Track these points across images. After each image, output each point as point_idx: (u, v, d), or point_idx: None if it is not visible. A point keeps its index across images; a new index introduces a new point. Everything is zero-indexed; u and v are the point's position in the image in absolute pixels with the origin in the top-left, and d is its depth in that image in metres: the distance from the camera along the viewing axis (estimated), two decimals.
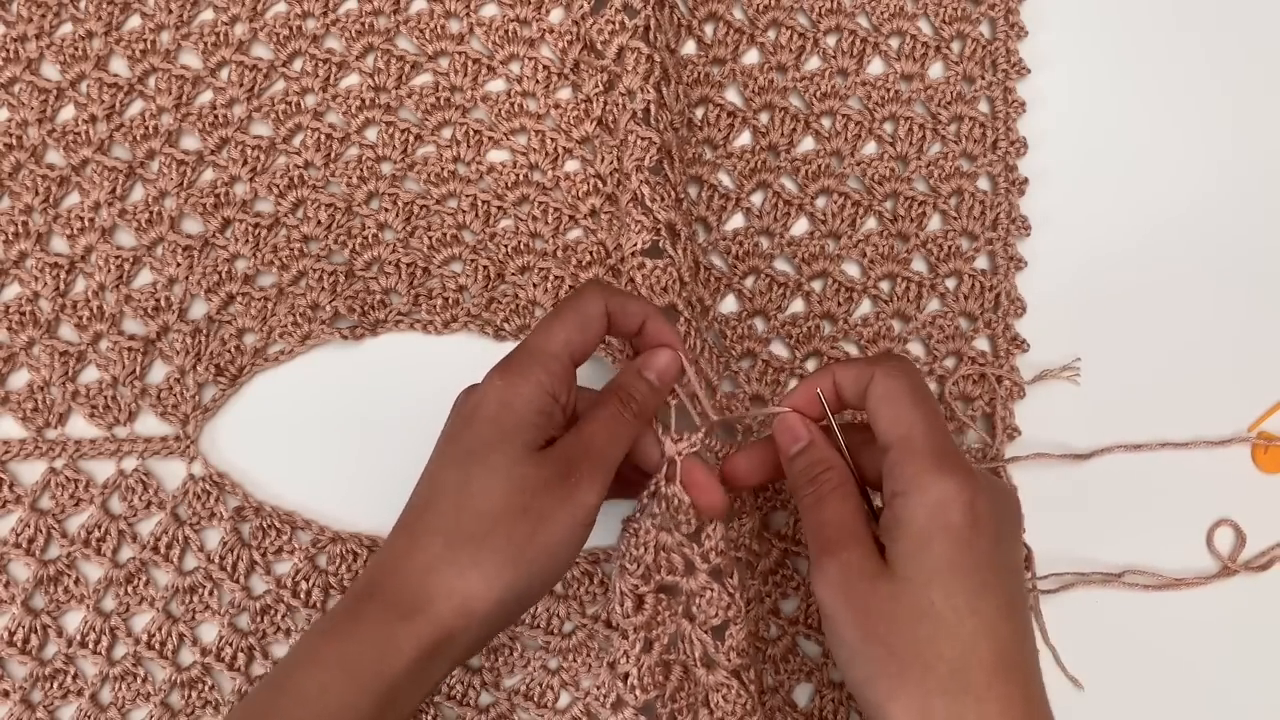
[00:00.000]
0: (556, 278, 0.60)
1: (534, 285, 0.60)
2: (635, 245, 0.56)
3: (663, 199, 0.56)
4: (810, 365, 0.61)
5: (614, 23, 0.58)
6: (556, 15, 0.61)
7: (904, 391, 0.48)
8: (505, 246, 0.60)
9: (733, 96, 0.62)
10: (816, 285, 0.62)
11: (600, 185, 0.60)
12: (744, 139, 0.62)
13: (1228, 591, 0.62)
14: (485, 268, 0.60)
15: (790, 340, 0.61)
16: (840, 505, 0.49)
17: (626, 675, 0.54)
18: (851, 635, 0.46)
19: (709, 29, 0.62)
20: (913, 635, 0.45)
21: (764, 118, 0.62)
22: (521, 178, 0.61)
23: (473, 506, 0.47)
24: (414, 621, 0.46)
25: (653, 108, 0.57)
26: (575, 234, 0.61)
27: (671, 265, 0.55)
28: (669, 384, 0.52)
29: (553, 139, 0.61)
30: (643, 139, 0.56)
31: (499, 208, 0.61)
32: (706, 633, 0.53)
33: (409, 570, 0.47)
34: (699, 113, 0.62)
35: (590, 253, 0.60)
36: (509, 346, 0.58)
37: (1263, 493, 0.62)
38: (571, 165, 0.61)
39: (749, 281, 0.61)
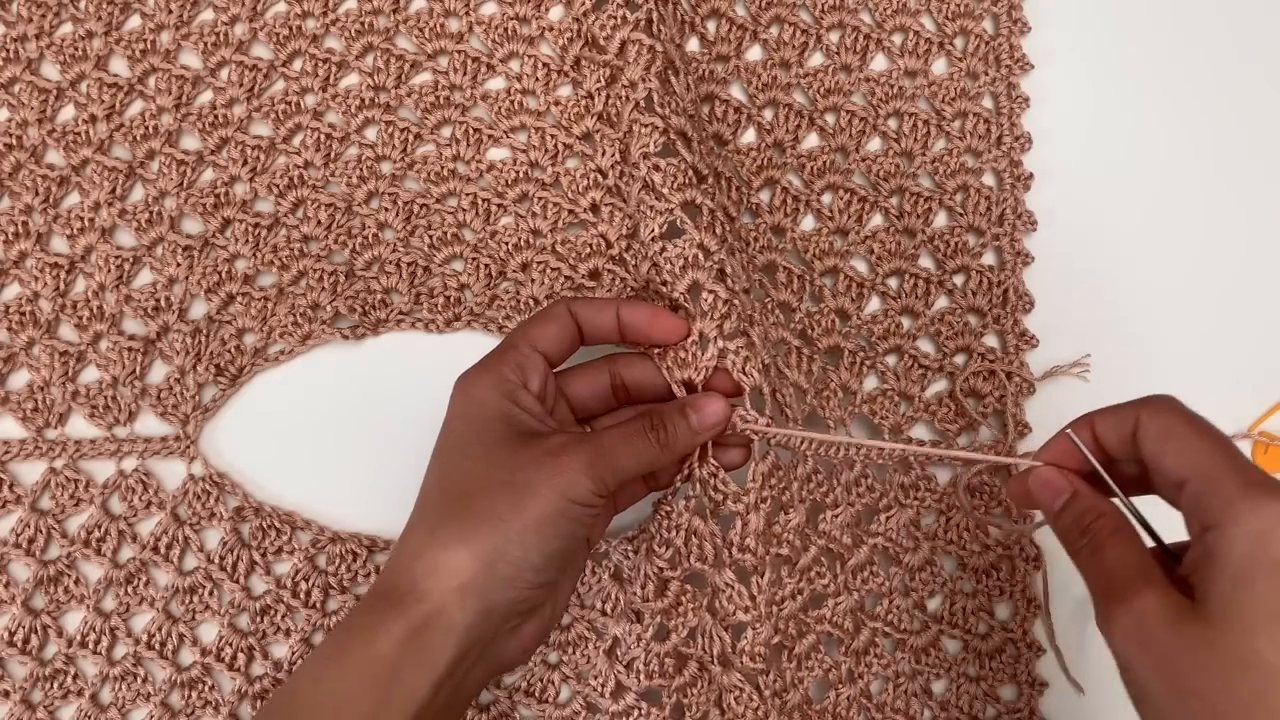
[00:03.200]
0: (554, 270, 0.62)
1: (534, 281, 0.62)
2: (652, 231, 0.56)
3: (674, 180, 0.56)
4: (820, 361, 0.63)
5: (615, 18, 0.60)
6: (556, 13, 0.63)
7: (1182, 423, 0.46)
8: (506, 244, 0.62)
9: (736, 93, 0.64)
10: (827, 281, 0.63)
11: (601, 179, 0.62)
12: (749, 136, 0.64)
13: None
14: (486, 265, 0.62)
15: (814, 332, 0.63)
16: (1123, 549, 0.46)
17: (631, 661, 0.56)
18: (1158, 690, 0.43)
19: (711, 26, 0.64)
20: (1235, 689, 0.41)
21: (768, 114, 0.64)
22: (522, 175, 0.63)
23: (452, 491, 0.50)
24: (402, 604, 0.47)
25: (655, 96, 0.58)
26: (576, 229, 0.63)
27: (691, 242, 0.55)
28: (708, 431, 0.53)
29: (553, 135, 0.62)
30: (646, 126, 0.57)
31: (499, 205, 0.62)
32: (727, 630, 0.55)
33: (399, 564, 0.49)
34: (704, 110, 0.64)
35: (591, 245, 0.62)
36: None
37: None
38: (572, 162, 0.63)
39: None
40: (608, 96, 0.62)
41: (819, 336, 0.63)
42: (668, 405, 0.54)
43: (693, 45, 0.64)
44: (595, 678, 0.59)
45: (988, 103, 0.65)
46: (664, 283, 0.56)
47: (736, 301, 0.55)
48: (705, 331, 0.54)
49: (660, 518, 0.56)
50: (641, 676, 0.56)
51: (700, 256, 0.55)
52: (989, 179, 0.64)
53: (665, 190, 0.56)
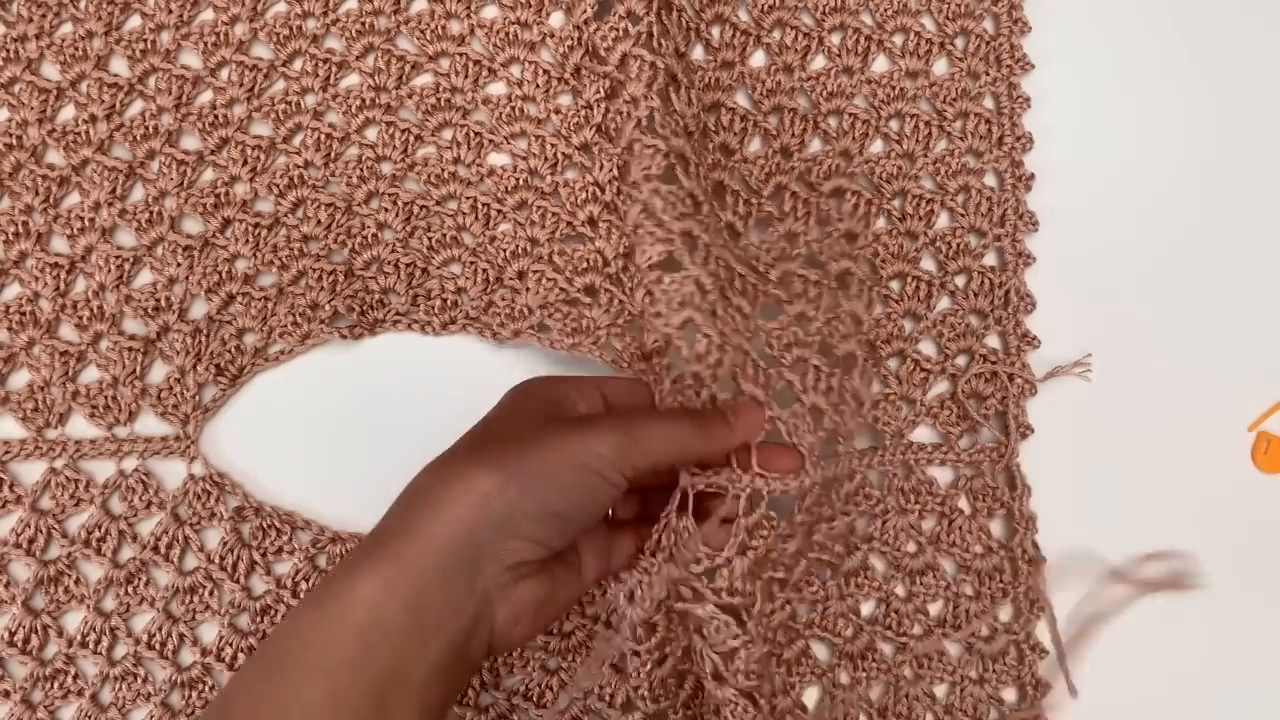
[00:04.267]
0: (550, 280, 0.62)
1: (529, 290, 0.62)
2: (649, 258, 0.56)
3: (675, 209, 0.56)
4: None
5: (617, 30, 0.60)
6: (557, 19, 0.63)
7: None
8: (504, 250, 0.63)
9: (741, 100, 0.64)
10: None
11: (599, 193, 0.62)
12: (754, 144, 0.64)
13: (1222, 598, 0.64)
14: (484, 270, 0.63)
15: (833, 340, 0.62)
16: None
17: (637, 687, 0.57)
18: None
19: (715, 32, 0.64)
20: None
21: (773, 120, 0.64)
22: (521, 182, 0.63)
23: (468, 442, 0.51)
24: (388, 542, 0.47)
25: (657, 115, 0.58)
26: (574, 241, 0.63)
27: (689, 277, 0.55)
28: (746, 430, 0.53)
29: (552, 144, 0.63)
30: (648, 147, 0.57)
31: (498, 211, 0.63)
32: (717, 653, 0.55)
33: (396, 504, 0.49)
34: (710, 119, 0.64)
35: (587, 260, 0.62)
36: (507, 349, 0.61)
37: (1263, 493, 0.65)
38: (571, 173, 0.63)
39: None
40: (607, 110, 0.62)
41: (838, 342, 0.61)
42: (711, 408, 0.54)
43: (698, 53, 0.64)
44: (603, 687, 0.60)
45: (989, 103, 0.65)
46: (657, 314, 0.55)
47: (729, 346, 0.54)
48: (700, 375, 0.54)
49: (639, 573, 0.54)
50: (648, 700, 0.56)
51: (696, 295, 0.55)
52: (990, 179, 0.65)
53: (666, 218, 0.56)
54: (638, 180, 0.57)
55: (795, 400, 0.56)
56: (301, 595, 0.61)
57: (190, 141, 0.63)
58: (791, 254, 0.62)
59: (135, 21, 0.64)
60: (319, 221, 0.63)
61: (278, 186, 0.63)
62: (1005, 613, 0.63)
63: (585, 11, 0.62)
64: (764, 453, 0.53)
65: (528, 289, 0.62)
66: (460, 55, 0.63)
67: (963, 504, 0.63)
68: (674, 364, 0.55)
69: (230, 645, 0.61)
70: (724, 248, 0.59)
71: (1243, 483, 0.65)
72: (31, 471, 0.62)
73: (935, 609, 0.63)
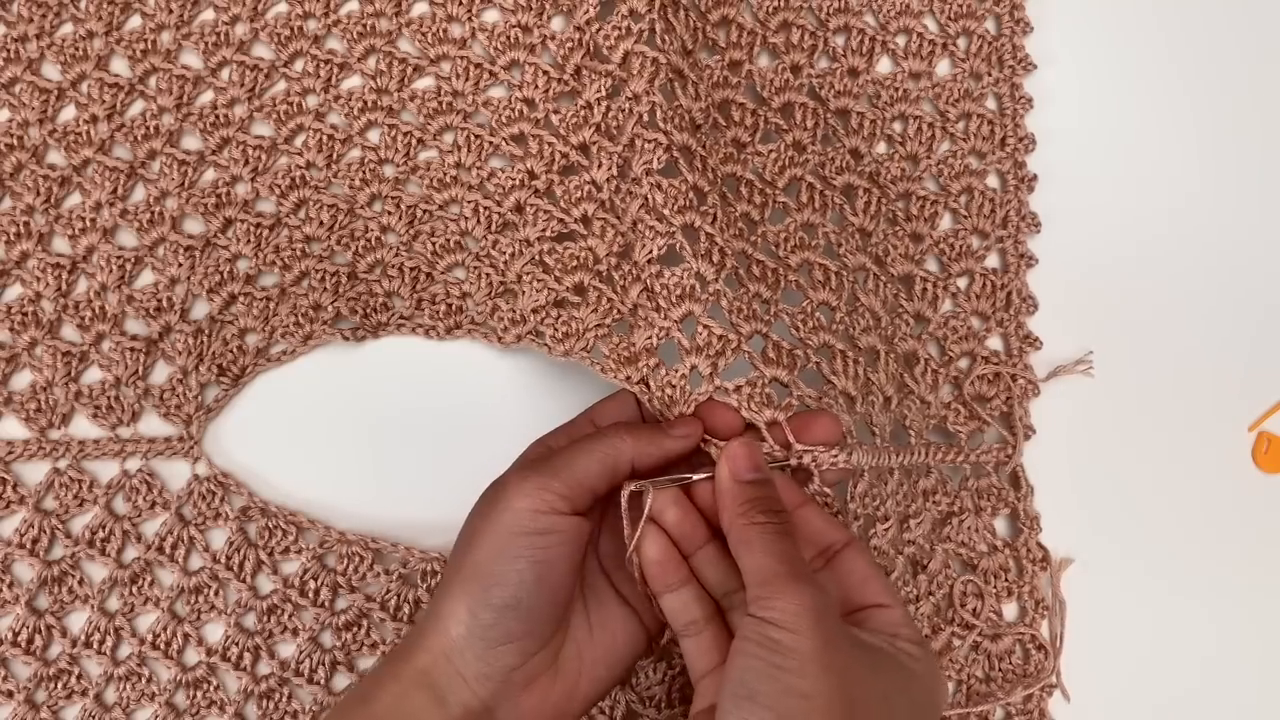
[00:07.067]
0: (539, 282, 0.61)
1: (524, 293, 0.62)
2: (650, 253, 0.57)
3: (675, 202, 0.57)
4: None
5: (620, 29, 0.60)
6: (558, 22, 0.64)
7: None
8: (505, 253, 0.62)
9: (750, 99, 0.65)
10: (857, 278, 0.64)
11: (595, 191, 0.61)
12: (768, 139, 0.65)
13: (1223, 598, 0.65)
14: (488, 275, 0.63)
15: (854, 331, 0.63)
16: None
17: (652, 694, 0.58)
18: None
19: (721, 34, 0.65)
20: None
21: (783, 116, 0.65)
22: (519, 182, 0.63)
23: (450, 558, 0.52)
24: (401, 659, 0.50)
25: (659, 110, 0.58)
26: (565, 240, 0.62)
27: (689, 271, 0.56)
28: (682, 436, 0.53)
29: (550, 144, 0.62)
30: (649, 141, 0.58)
31: (499, 214, 0.63)
32: None
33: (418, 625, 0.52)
34: (721, 116, 0.64)
35: (578, 259, 0.61)
36: (510, 353, 0.62)
37: (1263, 493, 0.66)
38: (567, 172, 0.63)
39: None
40: (608, 108, 0.61)
41: (859, 335, 0.62)
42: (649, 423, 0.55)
43: (704, 54, 0.65)
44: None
45: (991, 104, 0.66)
46: (657, 308, 0.56)
47: (731, 336, 0.55)
48: (699, 366, 0.55)
49: None
50: (663, 705, 0.58)
51: (696, 287, 0.55)
52: (993, 180, 0.66)
53: (666, 211, 0.56)
54: (639, 176, 0.57)
55: (825, 382, 0.58)
56: (309, 594, 0.62)
57: (191, 141, 0.64)
58: (810, 243, 0.63)
59: (136, 21, 0.64)
60: (321, 223, 0.64)
61: (279, 187, 0.64)
62: (1011, 611, 0.64)
63: (588, 11, 0.63)
64: (798, 420, 0.53)
65: (523, 292, 0.62)
66: (461, 58, 0.64)
67: (967, 503, 0.64)
68: (666, 360, 0.56)
69: (236, 645, 0.62)
70: (738, 237, 0.59)
71: (1243, 483, 0.66)
72: (35, 472, 0.63)
73: (943, 606, 0.63)
